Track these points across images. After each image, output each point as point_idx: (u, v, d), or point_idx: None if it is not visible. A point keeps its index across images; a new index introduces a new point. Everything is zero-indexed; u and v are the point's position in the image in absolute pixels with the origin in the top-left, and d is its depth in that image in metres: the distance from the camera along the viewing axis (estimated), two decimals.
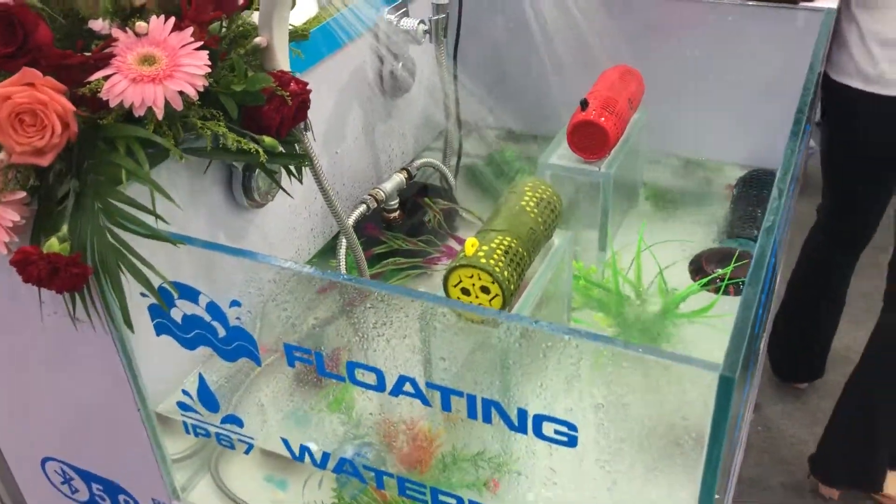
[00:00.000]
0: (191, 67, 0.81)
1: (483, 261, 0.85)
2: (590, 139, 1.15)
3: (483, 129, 1.65)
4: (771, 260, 0.82)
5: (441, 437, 0.92)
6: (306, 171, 1.04)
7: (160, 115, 0.79)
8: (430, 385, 0.75)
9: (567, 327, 0.62)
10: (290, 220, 1.20)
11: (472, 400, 0.73)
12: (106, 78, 0.79)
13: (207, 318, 0.84)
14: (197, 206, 1.02)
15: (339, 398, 0.95)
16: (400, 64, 1.37)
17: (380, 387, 0.78)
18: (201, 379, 0.91)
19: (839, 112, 1.61)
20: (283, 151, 0.92)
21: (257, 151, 0.86)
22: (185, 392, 0.93)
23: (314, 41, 1.15)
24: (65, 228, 0.80)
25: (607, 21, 1.39)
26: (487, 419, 0.73)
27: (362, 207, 1.26)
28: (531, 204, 0.95)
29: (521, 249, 0.89)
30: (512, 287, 0.86)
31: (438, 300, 0.69)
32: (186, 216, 1.01)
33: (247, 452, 0.95)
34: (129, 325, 0.81)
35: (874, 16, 1.45)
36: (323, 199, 1.12)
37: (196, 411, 0.94)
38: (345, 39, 1.25)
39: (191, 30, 0.83)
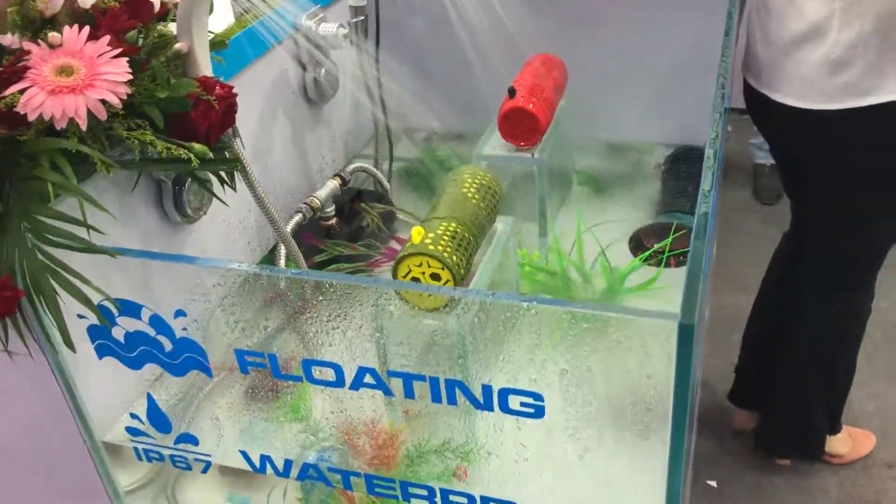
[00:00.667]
0: (111, 75, 0.78)
1: (431, 247, 0.84)
2: (521, 126, 1.16)
3: (413, 131, 1.65)
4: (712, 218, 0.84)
5: (403, 432, 0.90)
6: (239, 180, 1.02)
7: (83, 125, 0.76)
8: (391, 373, 0.74)
9: (523, 295, 0.62)
10: (225, 234, 1.17)
11: (434, 383, 0.72)
12: (22, 91, 0.75)
13: (152, 332, 0.81)
14: (128, 225, 0.99)
15: (295, 405, 0.92)
16: (323, 70, 1.35)
17: (339, 382, 0.76)
18: (150, 399, 0.87)
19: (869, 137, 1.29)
20: (214, 158, 0.89)
21: (189, 158, 0.84)
22: (133, 416, 0.89)
23: (234, 50, 1.13)
24: None
25: (526, 12, 1.41)
26: (452, 401, 0.72)
27: (298, 217, 1.24)
28: (472, 190, 0.95)
29: (466, 234, 0.89)
30: (462, 271, 0.86)
31: (393, 284, 0.68)
32: (117, 235, 0.97)
33: (204, 471, 0.91)
34: (70, 346, 0.77)
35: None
36: (258, 210, 1.10)
37: (147, 435, 0.90)
38: (263, 48, 1.24)
39: (107, 38, 0.80)
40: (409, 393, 0.74)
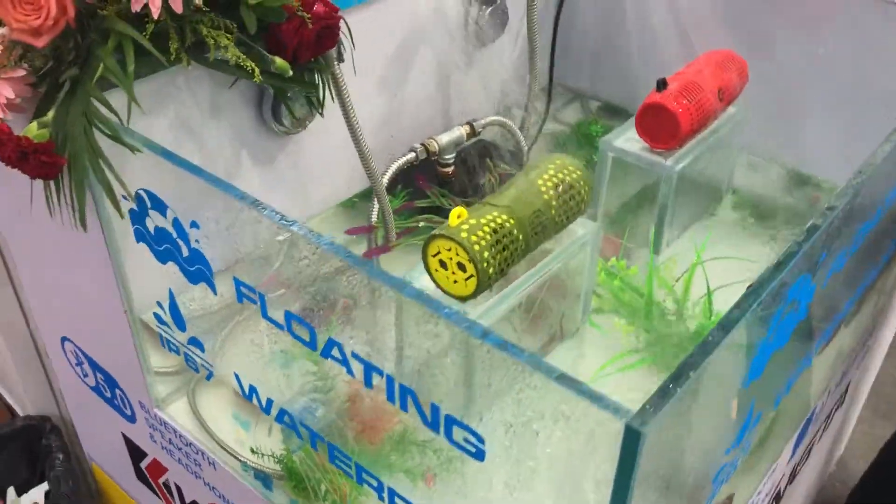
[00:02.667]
0: None
1: (463, 235, 0.76)
2: (659, 125, 1.02)
3: (577, 96, 1.53)
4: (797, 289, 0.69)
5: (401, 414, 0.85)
6: (327, 120, 0.98)
7: (156, 13, 0.75)
8: (355, 355, 0.68)
9: (495, 336, 0.53)
10: (329, 154, 1.15)
11: (390, 382, 0.66)
12: None
13: (174, 234, 0.81)
14: (220, 122, 0.99)
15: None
16: (489, 10, 1.27)
17: (311, 344, 0.72)
18: (171, 295, 0.88)
19: None
20: (292, 76, 0.86)
21: (252, 70, 0.81)
22: (159, 304, 0.91)
23: None
24: (50, 115, 0.78)
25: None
26: (404, 406, 0.66)
27: (410, 155, 1.19)
28: (549, 184, 0.84)
29: (516, 231, 0.79)
30: (491, 270, 0.77)
31: (405, 288, 0.61)
32: (206, 130, 0.98)
33: (208, 378, 0.92)
34: (117, 207, 0.78)
35: None
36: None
37: (168, 326, 0.92)
38: None
39: None
40: (367, 382, 0.68)
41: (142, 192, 0.80)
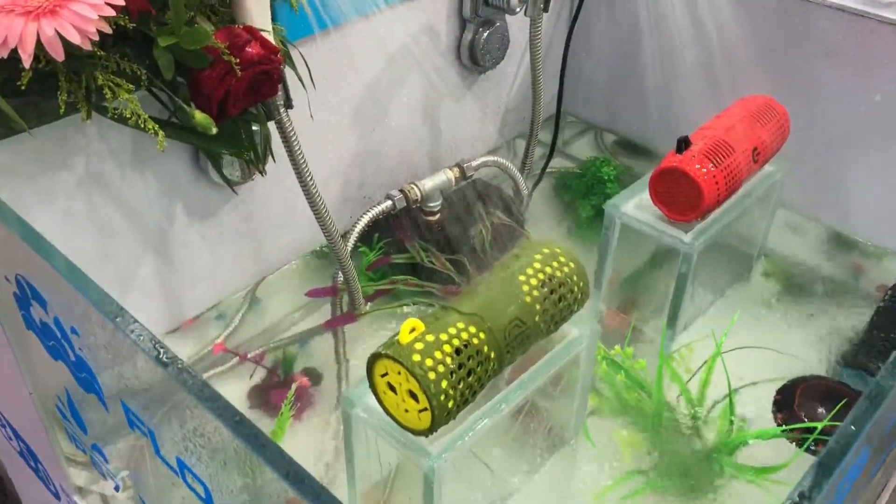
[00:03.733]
0: (83, 6, 0.59)
1: (415, 359, 0.59)
2: (678, 194, 0.84)
3: (591, 128, 1.34)
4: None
5: None
6: (284, 164, 0.81)
7: (27, 61, 0.59)
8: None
9: None
10: (289, 201, 0.98)
11: None
12: None
13: (57, 333, 0.65)
14: (146, 174, 0.83)
15: None
16: (486, 33, 1.09)
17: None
18: (67, 394, 0.73)
19: None
20: (219, 132, 0.69)
21: (156, 132, 0.64)
22: (58, 397, 0.76)
23: None
24: None
25: (774, 34, 1.03)
26: None
27: (386, 204, 1.02)
28: (533, 282, 0.67)
29: (486, 349, 0.62)
30: (450, 404, 0.60)
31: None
32: (129, 185, 0.82)
33: (116, 490, 0.76)
34: None
35: None
36: (343, 177, 0.89)
37: (69, 422, 0.76)
38: None
39: None
40: None
41: (20, 278, 0.64)
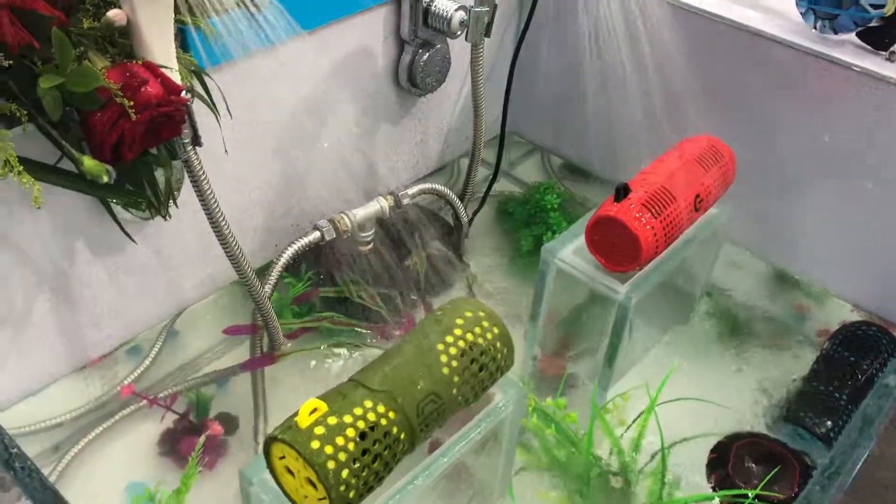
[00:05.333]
0: None
1: (314, 446, 0.54)
2: (615, 244, 0.79)
3: (537, 149, 1.30)
4: None
5: None
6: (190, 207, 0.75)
7: None
8: None
9: None
10: (200, 236, 0.91)
11: None
12: None
13: None
14: (34, 211, 0.75)
15: None
16: (426, 54, 1.03)
17: None
18: None
19: None
20: (114, 179, 0.63)
21: (31, 185, 0.57)
22: None
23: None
24: None
25: (722, 66, 0.99)
26: None
27: (313, 236, 0.96)
28: (452, 351, 0.62)
29: (395, 430, 0.57)
30: (351, 494, 0.55)
31: None
32: (20, 222, 0.74)
33: None
34: None
35: None
36: (260, 207, 0.83)
37: None
38: (354, 7, 0.93)
39: None
40: None
41: None
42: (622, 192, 0.78)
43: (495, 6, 0.92)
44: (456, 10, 0.95)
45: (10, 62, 0.57)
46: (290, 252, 0.94)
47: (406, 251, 1.04)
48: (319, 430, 0.55)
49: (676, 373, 0.89)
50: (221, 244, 0.78)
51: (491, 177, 1.18)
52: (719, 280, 1.06)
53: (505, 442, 0.72)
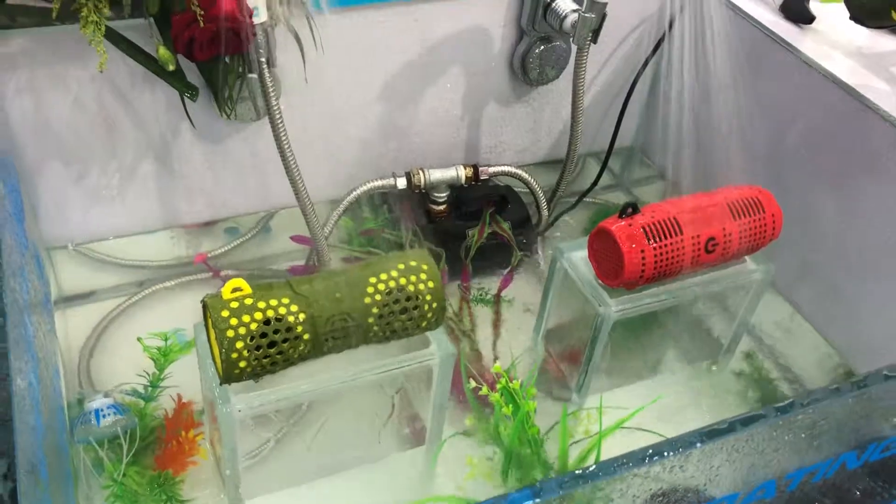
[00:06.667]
0: None
1: (223, 314, 0.65)
2: (606, 256, 0.82)
3: (654, 181, 1.29)
4: None
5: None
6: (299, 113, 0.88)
7: None
8: None
9: None
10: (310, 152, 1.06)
11: None
12: None
13: None
14: (154, 87, 0.92)
15: None
16: (542, 47, 1.09)
17: None
18: None
19: None
20: (175, 71, 0.78)
21: (102, 53, 0.73)
22: None
23: None
24: None
25: (827, 129, 0.95)
26: None
27: (388, 181, 1.06)
28: (381, 287, 0.70)
29: (300, 329, 0.67)
30: (242, 364, 0.65)
31: None
32: (140, 93, 0.92)
33: None
34: None
35: None
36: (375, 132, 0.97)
37: None
38: None
39: None
40: None
41: None
42: (629, 210, 0.80)
43: (604, 15, 0.95)
44: (573, 11, 1.00)
45: None
46: (362, 189, 1.05)
47: (473, 222, 1.11)
48: (234, 305, 0.66)
49: (680, 410, 0.90)
50: (283, 163, 0.90)
51: (592, 184, 1.21)
52: (772, 344, 1.02)
53: (434, 392, 0.79)
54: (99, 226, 1.03)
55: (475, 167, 1.09)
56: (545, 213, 1.16)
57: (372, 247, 1.09)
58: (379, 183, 1.06)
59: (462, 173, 1.09)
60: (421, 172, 1.07)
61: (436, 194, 1.10)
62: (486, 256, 1.10)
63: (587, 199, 1.21)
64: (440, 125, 1.14)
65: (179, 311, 1.00)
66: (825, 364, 1.01)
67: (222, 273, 1.05)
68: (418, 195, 1.11)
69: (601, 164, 1.20)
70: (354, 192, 1.05)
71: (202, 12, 0.75)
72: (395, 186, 1.07)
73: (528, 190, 1.14)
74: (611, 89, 1.22)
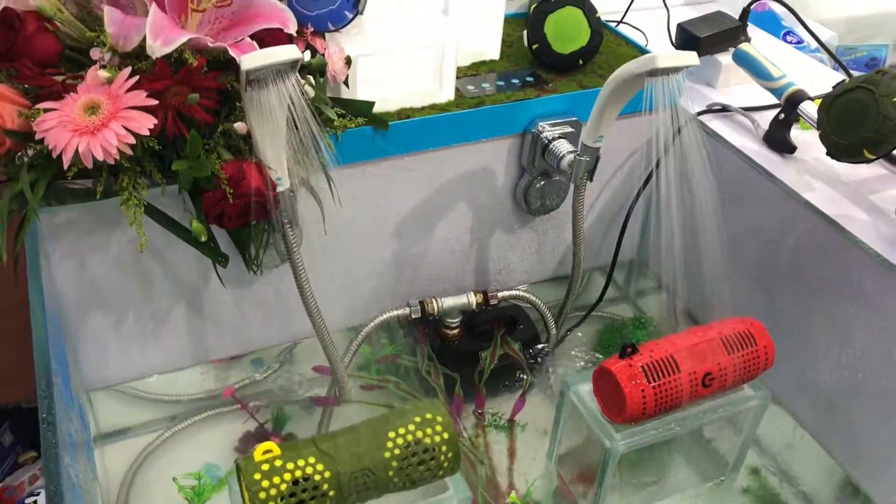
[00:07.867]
0: (110, 133, 0.77)
1: (255, 477, 0.71)
2: (610, 394, 0.87)
3: (658, 291, 1.35)
4: None
5: None
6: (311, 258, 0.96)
7: (66, 163, 0.78)
8: None
9: None
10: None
11: None
12: (47, 110, 0.80)
13: None
14: (186, 244, 1.00)
15: None
16: (541, 183, 1.17)
17: None
18: None
19: None
20: (207, 240, 0.86)
21: (141, 234, 0.81)
22: None
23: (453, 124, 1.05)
24: None
25: (813, 258, 1.01)
26: None
27: (403, 311, 1.13)
28: (399, 441, 0.75)
29: (326, 487, 0.72)
30: None
31: None
32: (174, 249, 1.00)
33: None
34: None
35: None
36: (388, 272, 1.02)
37: None
38: (488, 134, 1.10)
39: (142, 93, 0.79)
40: None
41: None
42: (629, 350, 0.86)
43: (598, 158, 1.03)
44: (569, 152, 1.08)
45: (161, 146, 0.82)
46: (379, 320, 1.12)
47: (486, 345, 1.17)
48: (265, 467, 0.72)
49: None
50: (304, 304, 0.97)
51: (597, 300, 1.27)
52: (777, 458, 1.06)
53: None
54: (135, 366, 1.10)
55: (485, 293, 1.16)
56: (553, 331, 1.22)
57: (389, 374, 1.15)
58: (394, 313, 1.13)
59: (473, 300, 1.15)
60: (434, 301, 1.14)
61: (449, 320, 1.17)
62: (499, 376, 1.16)
63: (594, 314, 1.27)
64: (451, 252, 1.21)
65: (210, 444, 1.06)
66: (832, 479, 1.05)
67: (250, 405, 1.11)
68: (429, 321, 1.18)
69: (606, 277, 1.27)
70: (372, 323, 1.12)
71: (231, 191, 0.83)
72: (409, 316, 1.14)
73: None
74: (610, 210, 1.29)
